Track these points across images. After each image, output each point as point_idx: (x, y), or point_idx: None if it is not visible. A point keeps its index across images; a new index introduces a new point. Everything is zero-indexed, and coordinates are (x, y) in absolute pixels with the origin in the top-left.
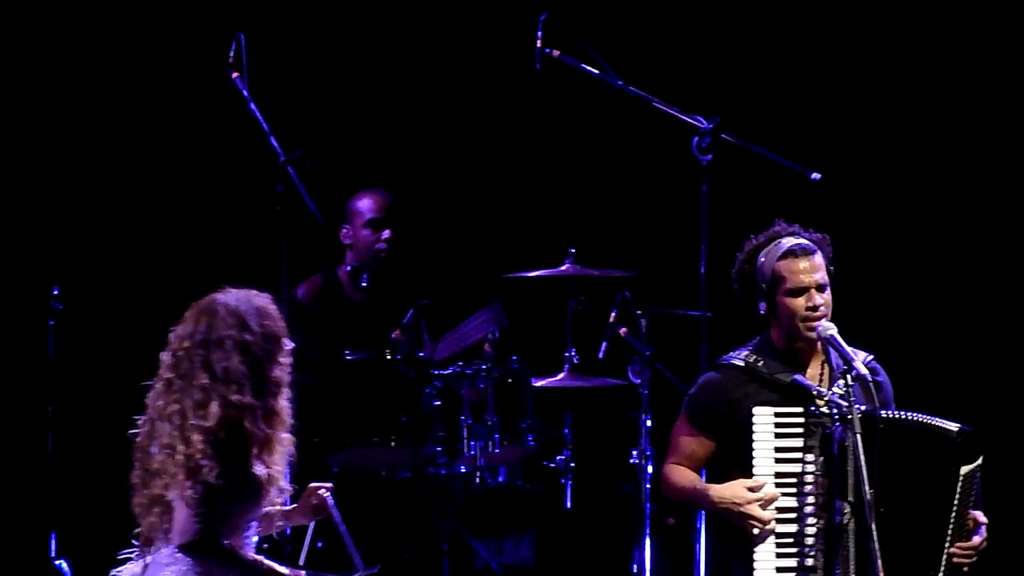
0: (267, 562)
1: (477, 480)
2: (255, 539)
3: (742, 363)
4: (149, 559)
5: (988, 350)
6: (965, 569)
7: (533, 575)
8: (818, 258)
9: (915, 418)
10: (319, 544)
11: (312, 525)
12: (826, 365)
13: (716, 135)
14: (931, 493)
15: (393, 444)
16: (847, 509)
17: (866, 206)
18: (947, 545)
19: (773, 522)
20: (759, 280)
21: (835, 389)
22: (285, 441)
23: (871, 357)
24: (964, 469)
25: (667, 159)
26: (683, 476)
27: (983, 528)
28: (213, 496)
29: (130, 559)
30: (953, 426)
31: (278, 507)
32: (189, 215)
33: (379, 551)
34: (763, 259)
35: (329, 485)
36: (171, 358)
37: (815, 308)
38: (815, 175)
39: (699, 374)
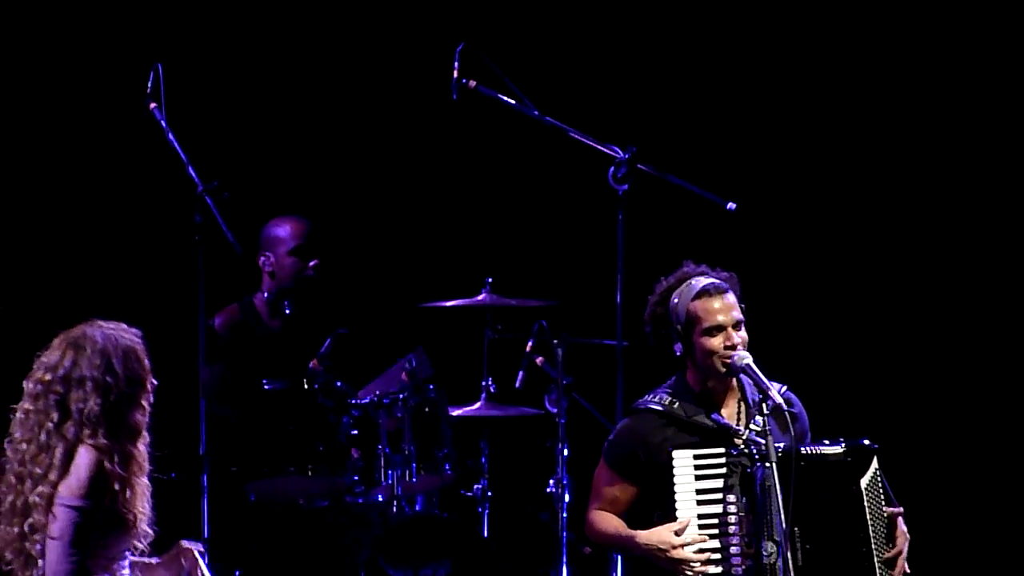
0: None
1: (394, 509)
2: None
3: (659, 407)
4: None
5: (896, 371)
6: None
7: None
8: (731, 296)
9: (813, 451)
10: None
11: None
12: (742, 403)
13: (632, 165)
14: (843, 517)
15: (310, 473)
16: (772, 548)
17: (781, 235)
18: (876, 560)
19: (704, 569)
20: (673, 322)
21: (752, 427)
22: (144, 485)
23: (785, 387)
24: (863, 482)
25: (583, 189)
26: (608, 523)
27: (901, 523)
28: (84, 534)
29: None
30: (839, 449)
31: (140, 560)
32: (106, 245)
33: None
34: (676, 300)
35: (199, 545)
36: (32, 388)
37: (733, 347)
38: (731, 205)
39: (615, 403)
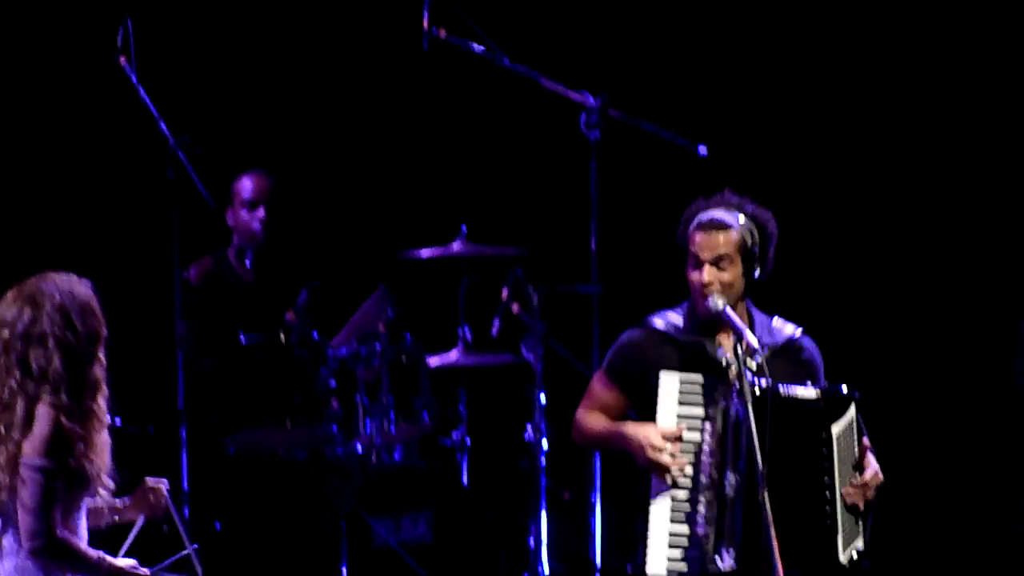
0: (108, 558)
1: (373, 459)
2: (85, 534)
3: (663, 326)
4: None
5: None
6: (860, 507)
7: (431, 552)
8: (725, 235)
9: (788, 391)
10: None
11: (141, 520)
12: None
13: (603, 112)
14: (812, 460)
15: (289, 425)
16: (734, 481)
17: (753, 178)
18: (839, 508)
19: (676, 476)
20: (682, 242)
21: (749, 363)
22: (104, 439)
23: (800, 330)
24: (836, 429)
25: (556, 136)
26: (596, 419)
27: (871, 457)
28: (51, 493)
29: None
30: (814, 393)
31: (108, 502)
32: (80, 202)
33: (276, 532)
34: (685, 226)
35: (165, 482)
36: None
37: (704, 284)
38: (702, 149)
39: (591, 349)
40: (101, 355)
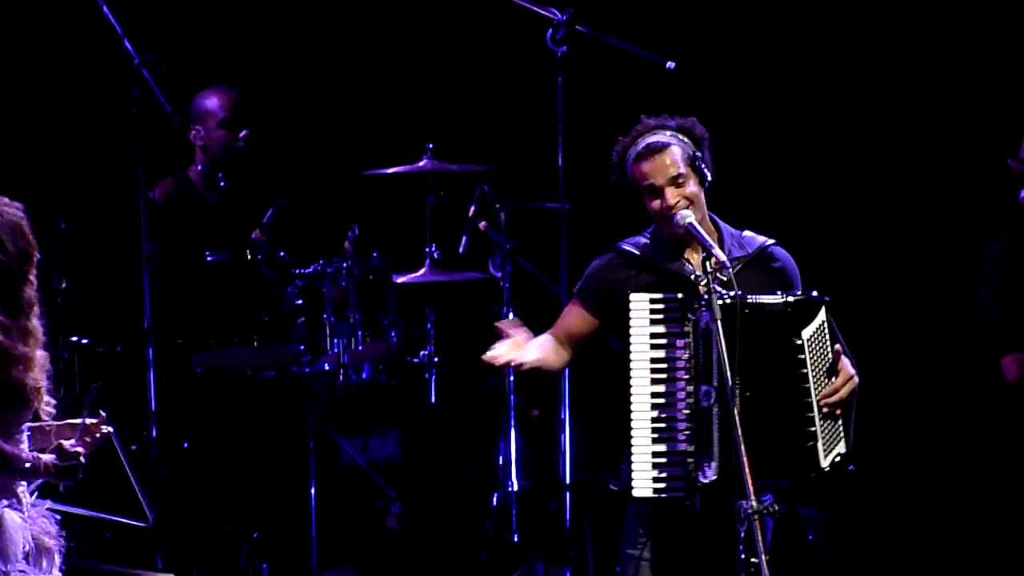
0: (43, 457)
1: (341, 377)
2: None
3: (632, 249)
4: None
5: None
6: (838, 412)
7: (399, 470)
8: (668, 155)
9: (754, 300)
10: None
11: (117, 441)
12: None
13: (570, 27)
14: (784, 367)
15: (256, 344)
16: (710, 395)
17: (723, 93)
18: (816, 413)
19: (652, 409)
20: (629, 182)
21: (718, 275)
22: (42, 358)
23: (772, 242)
24: (806, 333)
25: (522, 52)
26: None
27: (845, 360)
28: None
29: None
30: (779, 299)
31: (51, 424)
32: (44, 121)
33: (245, 451)
34: (628, 162)
35: (111, 429)
36: None
37: (670, 207)
38: (670, 64)
39: (559, 266)
40: (32, 276)
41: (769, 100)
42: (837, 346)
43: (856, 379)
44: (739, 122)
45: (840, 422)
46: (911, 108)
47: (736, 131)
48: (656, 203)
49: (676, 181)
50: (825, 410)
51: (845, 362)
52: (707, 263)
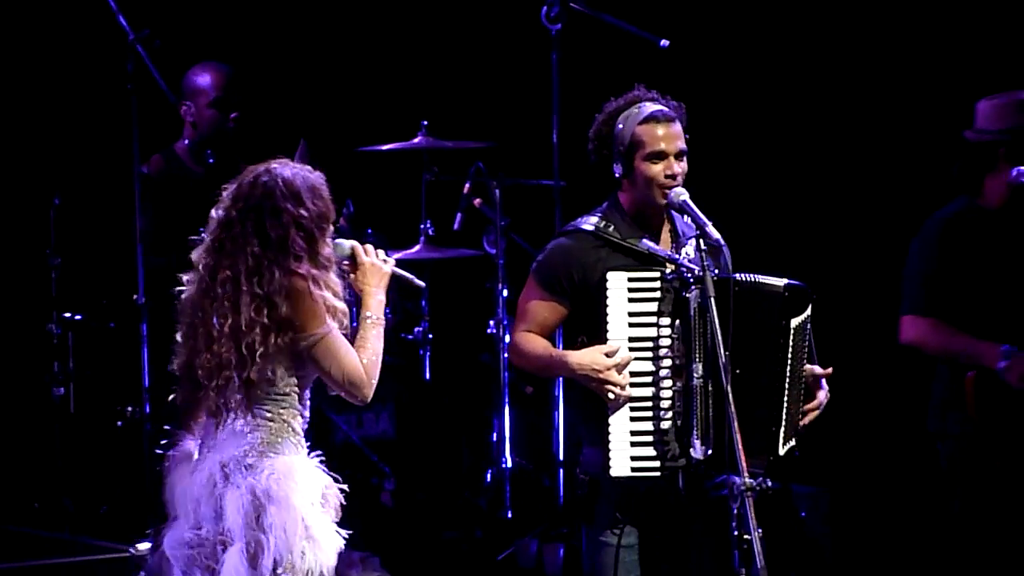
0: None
1: None
2: None
3: (593, 228)
4: (217, 436)
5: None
6: (801, 427)
7: (394, 447)
8: (677, 126)
9: (750, 279)
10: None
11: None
12: (672, 232)
13: (565, 4)
14: (767, 349)
15: None
16: (701, 371)
17: (715, 73)
18: (785, 400)
19: (628, 388)
20: (617, 143)
21: (687, 251)
22: (342, 313)
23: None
24: (794, 322)
25: (518, 29)
26: (536, 344)
27: (824, 382)
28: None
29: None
30: (780, 282)
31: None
32: (36, 96)
33: None
34: (622, 124)
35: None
36: (223, 217)
37: (673, 176)
38: (663, 42)
39: None
40: (328, 238)
41: (759, 84)
42: (817, 368)
43: (825, 400)
44: (729, 104)
45: (798, 422)
46: (903, 107)
47: (725, 113)
48: (658, 167)
49: (681, 154)
50: (793, 407)
51: (824, 385)
52: (673, 244)
